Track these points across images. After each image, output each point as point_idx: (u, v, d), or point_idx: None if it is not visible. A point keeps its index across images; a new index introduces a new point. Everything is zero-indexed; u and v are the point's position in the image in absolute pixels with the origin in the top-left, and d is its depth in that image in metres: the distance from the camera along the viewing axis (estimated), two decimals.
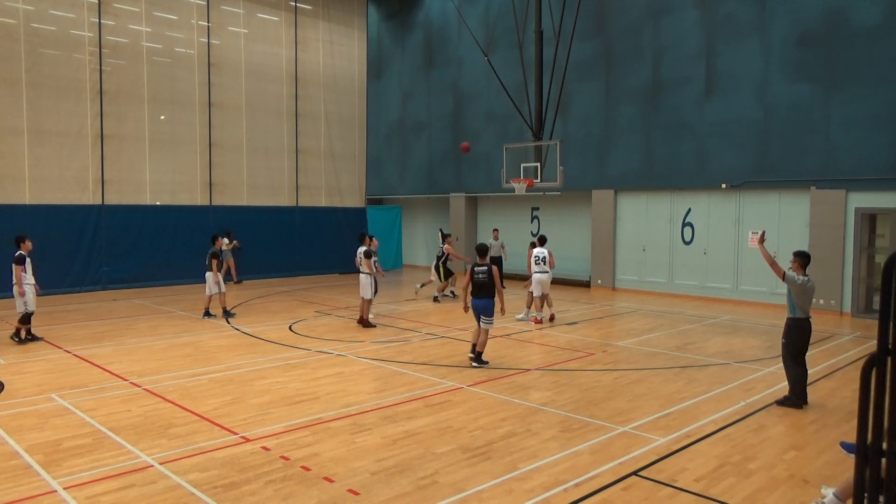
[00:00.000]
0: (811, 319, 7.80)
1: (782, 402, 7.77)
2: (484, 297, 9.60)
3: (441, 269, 16.87)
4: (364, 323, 12.92)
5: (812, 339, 12.09)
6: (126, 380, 8.78)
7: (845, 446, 5.95)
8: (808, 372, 9.57)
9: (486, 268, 9.66)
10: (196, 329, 12.58)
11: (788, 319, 7.74)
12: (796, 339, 7.71)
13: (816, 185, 15.09)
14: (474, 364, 9.65)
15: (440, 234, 20.94)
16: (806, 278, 7.68)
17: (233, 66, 20.57)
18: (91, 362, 9.76)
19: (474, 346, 9.75)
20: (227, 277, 19.07)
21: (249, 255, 20.85)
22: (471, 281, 9.67)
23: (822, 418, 7.37)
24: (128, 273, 18.41)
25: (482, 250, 9.95)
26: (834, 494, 4.87)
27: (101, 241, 17.98)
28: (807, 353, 8.01)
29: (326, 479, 5.55)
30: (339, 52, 23.51)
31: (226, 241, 19.38)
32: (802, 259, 7.79)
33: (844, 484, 4.85)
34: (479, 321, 9.68)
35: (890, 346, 2.67)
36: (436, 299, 16.65)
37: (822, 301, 15.06)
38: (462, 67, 23.39)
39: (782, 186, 15.78)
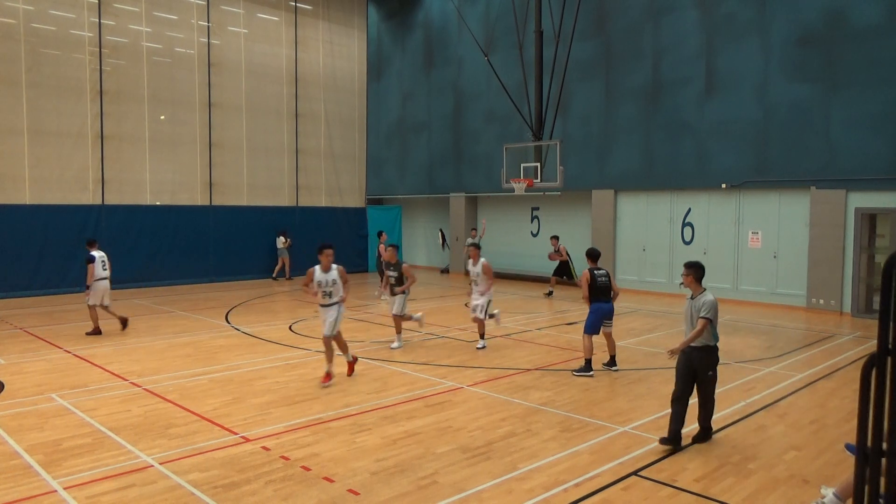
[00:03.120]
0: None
1: (696, 440, 6.53)
2: (610, 300, 9.32)
3: (571, 267, 18.02)
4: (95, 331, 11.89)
5: (812, 339, 12.23)
6: (126, 380, 8.78)
7: (850, 448, 5.94)
8: (808, 373, 9.62)
9: (605, 271, 9.42)
10: (196, 329, 12.59)
11: (704, 349, 6.35)
12: (716, 370, 6.49)
13: (816, 185, 15.09)
14: (617, 368, 9.42)
15: (440, 233, 21.04)
16: (708, 292, 6.54)
17: (233, 66, 20.57)
18: (91, 362, 9.76)
19: (613, 357, 9.50)
20: (280, 274, 21.22)
21: (249, 254, 20.90)
22: (594, 286, 9.20)
23: (822, 418, 7.37)
24: (128, 273, 18.40)
25: (597, 255, 9.56)
26: (834, 494, 4.87)
27: (101, 241, 17.88)
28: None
29: (326, 479, 5.55)
30: (339, 52, 23.51)
31: (282, 239, 21.22)
32: (697, 271, 6.53)
33: (844, 483, 4.84)
34: (602, 326, 9.26)
35: (890, 346, 2.67)
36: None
37: (822, 301, 15.07)
38: (462, 67, 23.39)
39: (782, 186, 15.77)
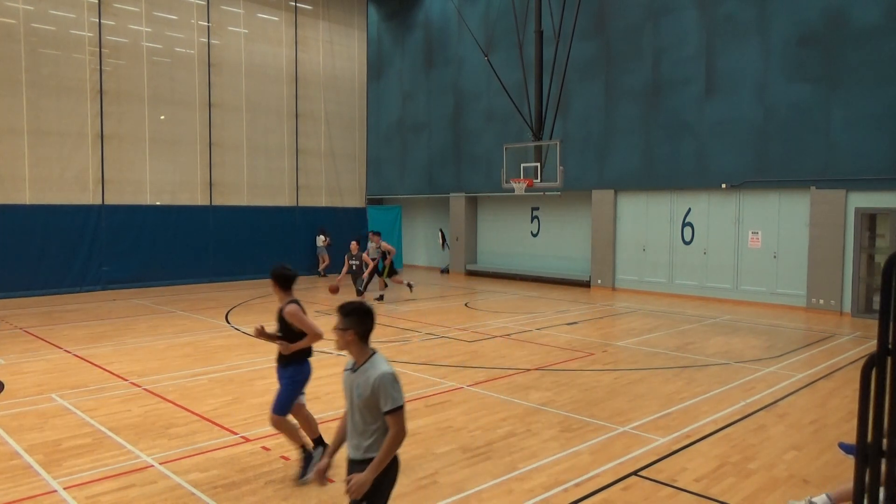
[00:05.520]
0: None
1: None
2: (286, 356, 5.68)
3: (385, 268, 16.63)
4: None
5: (812, 339, 12.22)
6: (126, 380, 8.78)
7: (844, 447, 5.95)
8: (808, 373, 9.62)
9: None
10: (196, 329, 12.59)
11: (368, 462, 3.49)
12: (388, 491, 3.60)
13: (816, 185, 15.10)
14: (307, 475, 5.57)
15: (440, 233, 21.03)
16: (379, 356, 3.64)
17: (233, 66, 20.57)
18: (91, 362, 9.76)
19: (320, 437, 5.88)
20: (317, 271, 22.18)
21: (249, 254, 20.90)
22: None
23: (822, 418, 7.37)
24: (128, 273, 18.41)
25: (292, 279, 5.73)
26: (827, 496, 4.85)
27: (101, 241, 17.98)
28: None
29: (327, 479, 5.55)
30: (339, 52, 23.51)
31: (321, 237, 21.94)
32: (361, 324, 3.62)
33: (840, 488, 4.84)
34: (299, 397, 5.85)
35: (890, 346, 2.67)
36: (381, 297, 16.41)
37: (822, 301, 15.07)
38: (462, 67, 23.39)
39: (782, 186, 15.77)
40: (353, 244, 15.66)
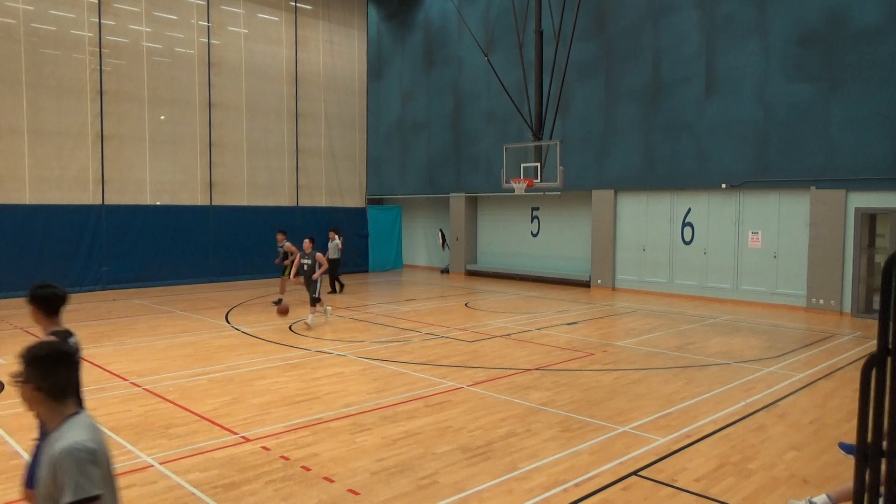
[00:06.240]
0: None
1: None
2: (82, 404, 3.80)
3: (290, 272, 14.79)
4: None
5: (812, 339, 12.23)
6: (126, 380, 8.78)
7: (844, 447, 5.95)
8: (808, 373, 9.63)
9: (75, 338, 4.30)
10: (196, 329, 12.59)
11: None
12: None
13: (816, 185, 15.10)
14: None
15: (440, 233, 21.02)
16: (79, 422, 2.47)
17: (233, 66, 20.58)
18: (91, 362, 9.75)
19: None
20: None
21: (249, 254, 20.90)
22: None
23: (822, 418, 7.37)
24: (128, 273, 18.42)
25: (58, 299, 4.37)
26: (828, 496, 4.86)
27: (101, 241, 17.99)
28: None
29: (326, 479, 5.55)
30: (339, 52, 23.53)
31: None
32: (49, 376, 2.45)
33: (840, 487, 4.84)
34: None
35: (890, 346, 2.67)
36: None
37: (822, 301, 15.07)
38: (462, 67, 23.38)
39: (782, 186, 15.77)
40: (307, 242, 13.99)
